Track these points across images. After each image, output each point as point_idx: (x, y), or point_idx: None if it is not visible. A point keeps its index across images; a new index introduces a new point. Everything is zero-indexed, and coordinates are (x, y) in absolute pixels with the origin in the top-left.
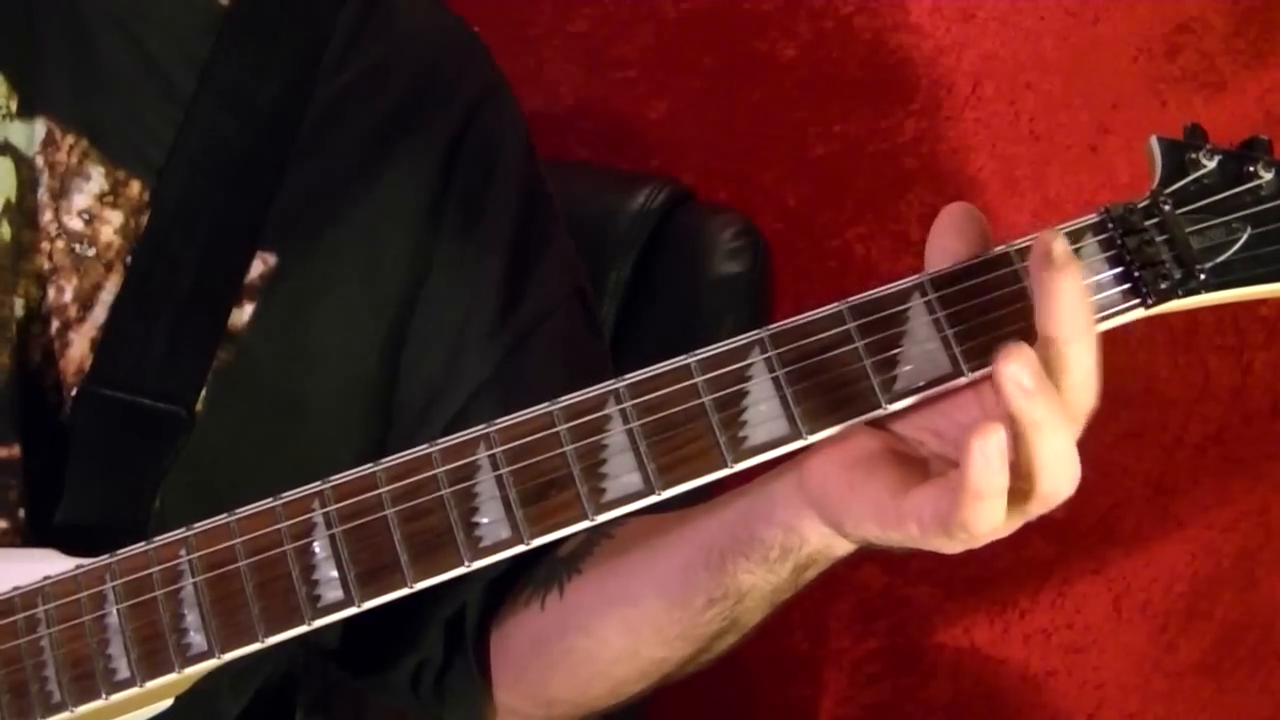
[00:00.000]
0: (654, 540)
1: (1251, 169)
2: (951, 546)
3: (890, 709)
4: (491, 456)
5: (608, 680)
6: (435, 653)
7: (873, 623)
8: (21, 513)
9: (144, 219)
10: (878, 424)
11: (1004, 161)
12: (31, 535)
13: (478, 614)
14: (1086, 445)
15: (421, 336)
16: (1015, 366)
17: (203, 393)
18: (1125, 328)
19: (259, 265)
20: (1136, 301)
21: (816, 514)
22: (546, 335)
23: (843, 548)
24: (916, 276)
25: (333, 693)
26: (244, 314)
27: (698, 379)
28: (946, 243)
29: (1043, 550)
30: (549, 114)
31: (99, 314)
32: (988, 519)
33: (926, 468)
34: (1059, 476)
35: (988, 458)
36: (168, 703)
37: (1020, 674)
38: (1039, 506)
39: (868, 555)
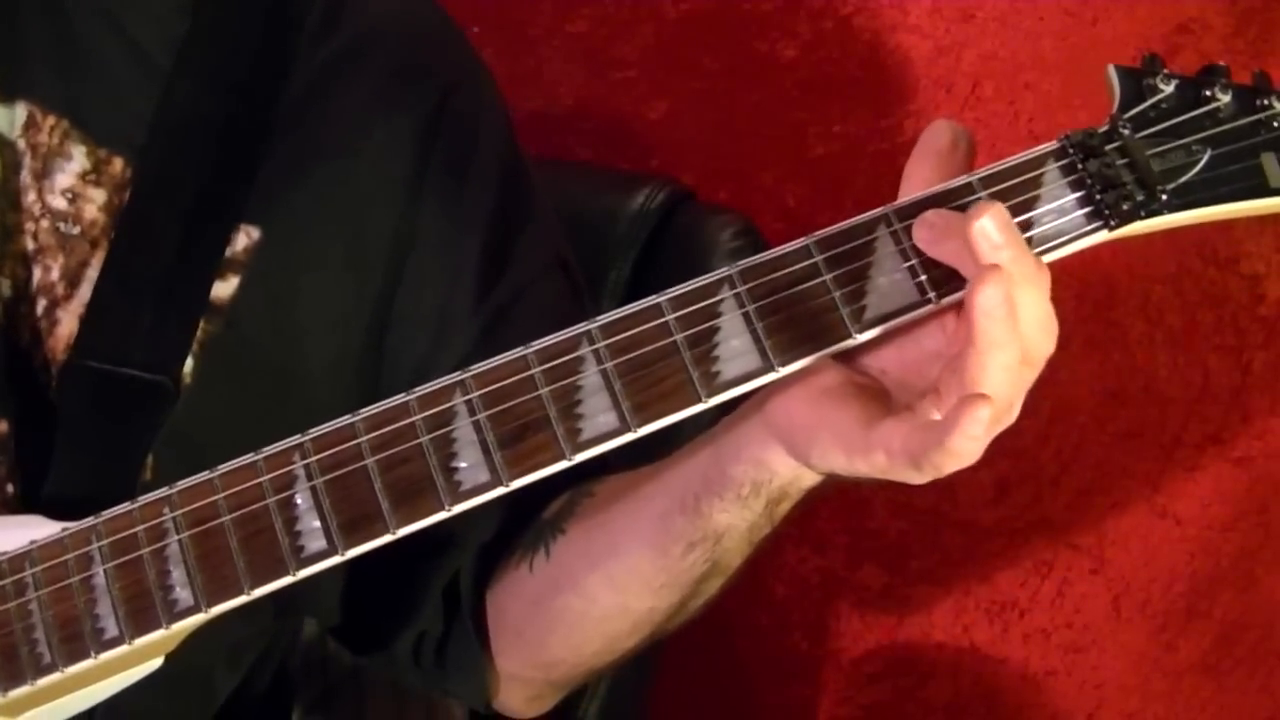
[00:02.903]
0: (632, 493)
1: (1209, 93)
2: (918, 479)
3: (890, 709)
4: (468, 402)
5: (601, 636)
6: (434, 624)
7: (873, 623)
8: (11, 488)
9: (127, 195)
10: (842, 356)
11: None
12: (22, 510)
13: (471, 581)
14: (1087, 445)
15: (406, 312)
16: (986, 220)
17: (191, 365)
18: (1125, 327)
19: (243, 239)
20: (1099, 224)
21: (783, 447)
22: (527, 306)
23: (810, 479)
24: (883, 207)
25: (332, 693)
26: (229, 287)
27: (669, 317)
28: (922, 171)
29: (1042, 550)
30: (549, 114)
31: (86, 291)
32: (962, 463)
33: (889, 398)
34: (1006, 389)
35: (976, 424)
36: (158, 662)
37: (1020, 674)
38: (994, 426)
39: (868, 555)
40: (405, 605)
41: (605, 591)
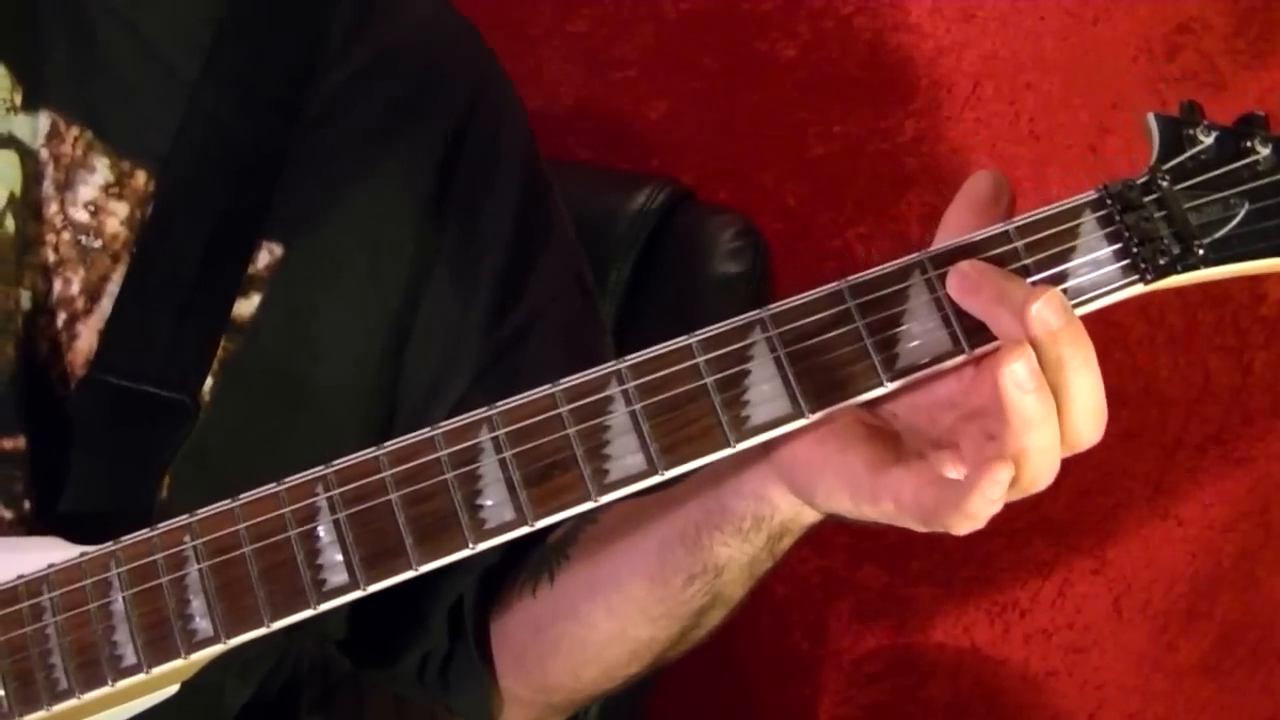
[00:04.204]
0: (634, 523)
1: (1249, 144)
2: (923, 529)
3: (890, 709)
4: (494, 439)
5: (600, 663)
6: (438, 643)
7: (873, 623)
8: (28, 504)
9: (150, 209)
10: None
11: (1004, 161)
12: (38, 526)
13: (474, 602)
14: None
15: (425, 327)
16: (1020, 366)
17: (210, 384)
18: (1125, 328)
19: (265, 256)
20: (1135, 277)
21: (785, 484)
22: (546, 326)
23: (812, 516)
24: (917, 254)
25: (333, 693)
26: (250, 305)
27: (699, 359)
28: (961, 218)
29: (1043, 550)
30: (549, 114)
31: (106, 305)
32: (975, 525)
33: (899, 441)
34: (1041, 468)
35: (995, 487)
36: (174, 689)
37: (1020, 674)
38: (1017, 494)
39: (868, 555)
40: (410, 624)
41: (605, 620)
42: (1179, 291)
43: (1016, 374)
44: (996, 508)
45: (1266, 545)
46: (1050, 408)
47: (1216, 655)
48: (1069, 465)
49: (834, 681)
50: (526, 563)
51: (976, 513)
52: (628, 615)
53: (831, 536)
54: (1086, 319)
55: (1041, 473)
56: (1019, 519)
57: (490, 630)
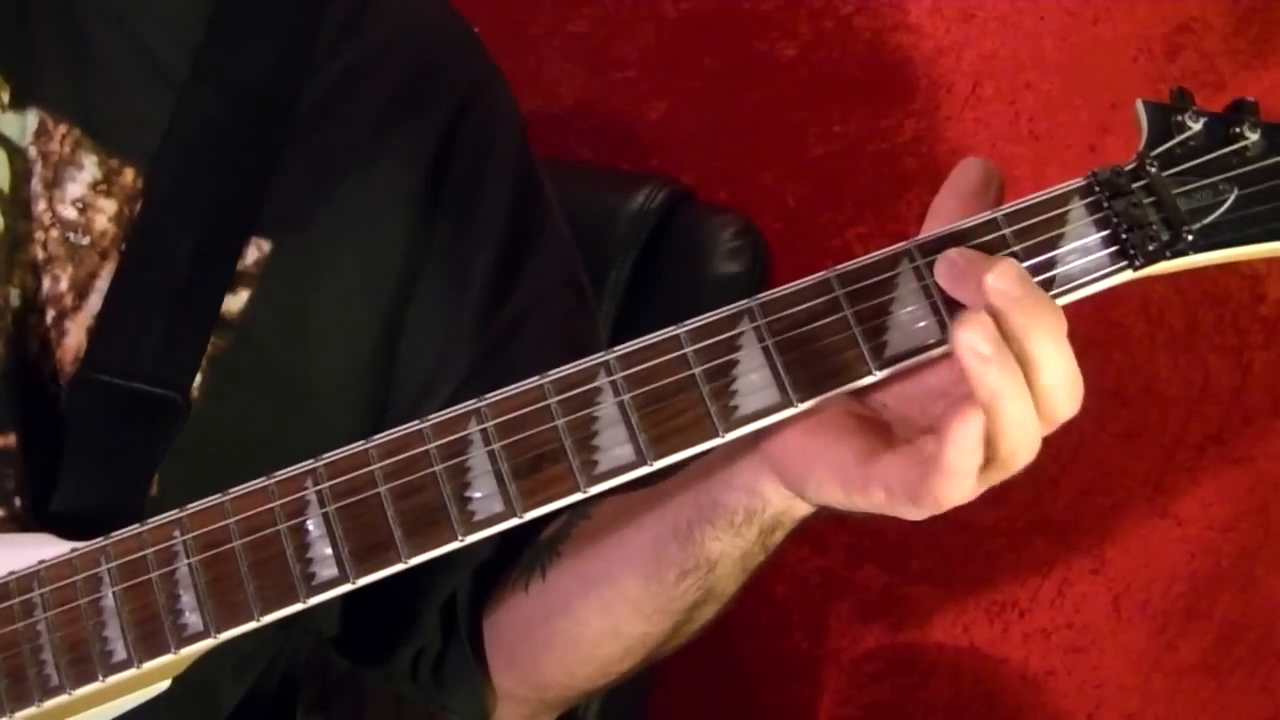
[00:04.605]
0: (627, 518)
1: (1238, 130)
2: (917, 514)
3: (890, 709)
4: (483, 431)
5: (594, 660)
6: (432, 640)
7: (873, 623)
8: (18, 501)
9: (138, 206)
10: None
11: (1004, 161)
12: (30, 523)
13: (468, 599)
14: (1086, 445)
15: (417, 325)
16: (970, 333)
17: (200, 381)
18: (1125, 327)
19: (254, 252)
20: (1124, 264)
21: (777, 477)
22: (537, 324)
23: (804, 509)
24: (906, 243)
25: (333, 693)
26: (240, 300)
27: (687, 349)
28: (950, 206)
29: (1043, 550)
30: (549, 114)
31: (95, 302)
32: (958, 493)
33: (889, 431)
34: (1019, 442)
35: (967, 436)
36: (165, 684)
37: (1020, 674)
38: (1000, 473)
39: (867, 555)
40: (403, 621)
41: (598, 616)
42: (1179, 291)
43: (970, 340)
44: (975, 459)
45: (1266, 545)
46: (1017, 378)
47: (1216, 655)
48: (1069, 465)
49: (834, 681)
50: (519, 559)
51: (954, 465)
52: (620, 611)
53: (831, 536)
54: (1086, 316)
55: (1020, 446)
56: (1019, 519)
57: (484, 628)
